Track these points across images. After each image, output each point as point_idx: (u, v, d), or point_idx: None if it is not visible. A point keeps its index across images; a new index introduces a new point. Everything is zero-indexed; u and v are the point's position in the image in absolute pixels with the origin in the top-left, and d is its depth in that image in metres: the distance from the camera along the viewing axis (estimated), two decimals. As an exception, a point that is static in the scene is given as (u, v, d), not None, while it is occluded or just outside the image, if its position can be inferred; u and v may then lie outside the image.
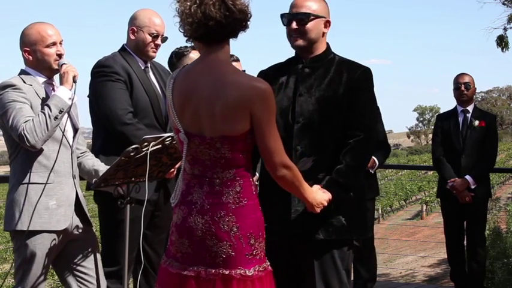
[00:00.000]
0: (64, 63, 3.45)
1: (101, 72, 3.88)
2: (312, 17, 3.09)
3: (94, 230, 3.70)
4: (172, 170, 3.77)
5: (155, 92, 3.97)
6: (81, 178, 3.67)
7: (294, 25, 3.11)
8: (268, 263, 2.68)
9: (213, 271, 2.58)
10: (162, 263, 2.73)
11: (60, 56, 3.46)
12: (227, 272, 2.57)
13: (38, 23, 3.49)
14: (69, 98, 3.36)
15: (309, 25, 3.10)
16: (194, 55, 4.52)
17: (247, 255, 2.59)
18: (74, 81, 3.41)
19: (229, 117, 2.53)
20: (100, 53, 4.20)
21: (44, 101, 3.37)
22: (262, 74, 3.25)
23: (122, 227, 3.51)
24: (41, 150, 3.34)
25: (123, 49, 4.03)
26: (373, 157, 5.44)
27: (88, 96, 3.98)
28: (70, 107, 3.37)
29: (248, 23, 2.62)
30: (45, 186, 3.33)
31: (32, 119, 3.26)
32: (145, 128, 3.79)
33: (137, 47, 3.99)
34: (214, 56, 2.61)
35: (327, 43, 3.21)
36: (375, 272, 5.78)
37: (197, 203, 2.61)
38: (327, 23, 3.13)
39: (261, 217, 2.66)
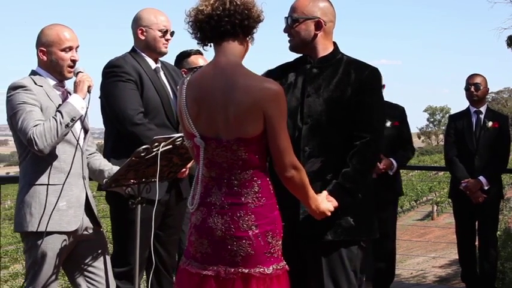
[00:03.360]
0: (80, 71, 3.44)
1: (112, 72, 3.88)
2: (301, 20, 3.08)
3: (104, 231, 3.71)
4: (184, 169, 3.77)
5: (166, 92, 3.97)
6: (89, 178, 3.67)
7: (284, 29, 3.13)
8: (285, 262, 2.69)
9: (233, 270, 2.60)
10: (181, 264, 2.75)
11: (74, 62, 3.45)
12: (246, 271, 2.59)
13: (59, 25, 3.48)
14: (82, 107, 3.37)
15: (296, 28, 3.10)
16: (196, 60, 4.60)
17: (265, 254, 2.61)
18: (89, 91, 3.42)
19: (243, 120, 2.55)
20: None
21: (55, 104, 3.38)
22: (270, 73, 3.23)
23: (133, 227, 3.52)
24: (51, 152, 3.33)
25: (133, 50, 4.03)
26: (390, 159, 5.39)
27: (99, 97, 3.99)
28: (83, 116, 3.38)
29: (252, 16, 2.61)
30: (49, 187, 3.33)
31: (43, 124, 3.26)
32: (156, 128, 3.79)
33: (148, 46, 3.99)
34: (224, 58, 2.63)
35: (335, 43, 3.18)
36: (393, 268, 5.79)
37: (216, 204, 2.63)
38: (318, 24, 3.08)
39: (278, 216, 2.68)
